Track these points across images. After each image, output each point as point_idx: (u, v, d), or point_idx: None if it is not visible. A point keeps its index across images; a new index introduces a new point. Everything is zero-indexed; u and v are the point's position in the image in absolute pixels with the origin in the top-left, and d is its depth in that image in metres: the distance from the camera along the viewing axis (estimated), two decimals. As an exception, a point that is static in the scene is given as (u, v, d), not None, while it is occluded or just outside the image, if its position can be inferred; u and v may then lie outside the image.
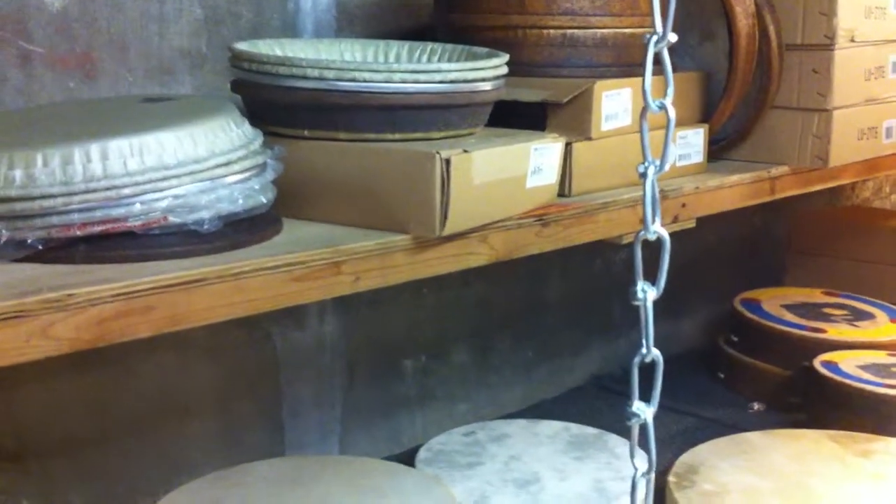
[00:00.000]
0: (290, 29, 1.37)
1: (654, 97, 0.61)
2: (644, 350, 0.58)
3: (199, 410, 1.38)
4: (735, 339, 1.83)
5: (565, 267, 1.80)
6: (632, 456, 0.65)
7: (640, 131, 0.60)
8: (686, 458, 1.41)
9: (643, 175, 0.59)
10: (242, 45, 1.08)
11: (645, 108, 0.58)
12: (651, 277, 0.63)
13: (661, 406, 1.78)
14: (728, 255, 2.06)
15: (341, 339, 1.52)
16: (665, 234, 0.58)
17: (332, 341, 1.51)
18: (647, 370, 0.69)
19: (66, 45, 1.17)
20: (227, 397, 1.40)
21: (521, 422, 1.58)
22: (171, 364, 1.33)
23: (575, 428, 1.55)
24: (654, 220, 0.57)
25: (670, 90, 0.61)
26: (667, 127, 0.62)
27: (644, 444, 0.64)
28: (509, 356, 1.76)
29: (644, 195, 0.58)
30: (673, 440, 1.61)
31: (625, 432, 1.50)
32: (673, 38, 0.58)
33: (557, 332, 1.83)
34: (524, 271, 1.72)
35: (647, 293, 0.58)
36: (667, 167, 0.61)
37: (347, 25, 1.42)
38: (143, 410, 1.32)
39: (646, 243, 0.64)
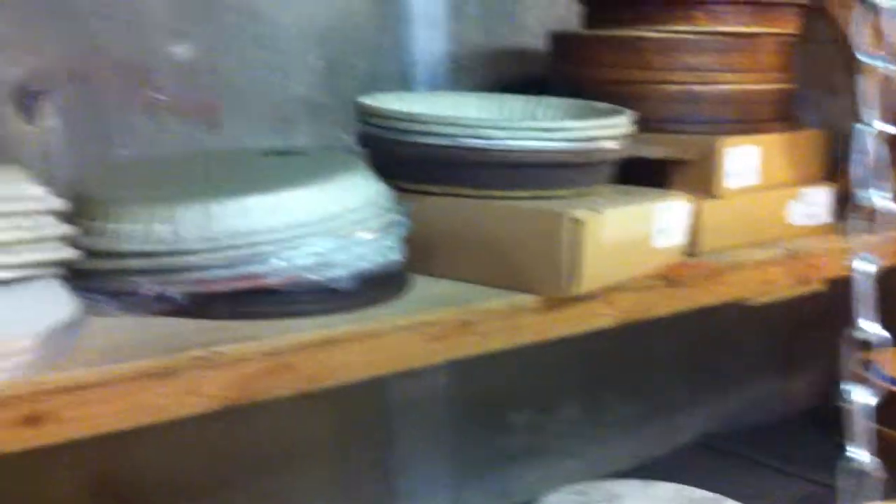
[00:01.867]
0: (404, 79, 1.38)
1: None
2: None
3: (312, 458, 1.38)
4: (851, 400, 1.76)
5: (675, 322, 1.77)
6: None
7: (847, 225, 0.57)
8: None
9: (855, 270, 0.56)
10: (367, 100, 1.09)
11: (850, 200, 0.56)
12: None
13: (777, 469, 1.72)
14: (843, 313, 2.01)
15: (453, 389, 1.50)
16: (883, 334, 0.56)
17: (443, 392, 1.50)
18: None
19: (191, 95, 1.19)
20: (339, 446, 1.40)
21: (635, 482, 1.55)
22: (286, 411, 1.33)
23: (689, 491, 1.50)
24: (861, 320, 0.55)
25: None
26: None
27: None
28: (619, 412, 1.73)
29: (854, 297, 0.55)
30: (789, 506, 1.56)
31: (739, 496, 1.48)
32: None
33: (667, 388, 1.79)
34: (634, 325, 1.70)
35: (857, 396, 0.55)
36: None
37: (460, 76, 1.42)
38: (259, 457, 1.32)
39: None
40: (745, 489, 1.57)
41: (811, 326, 1.94)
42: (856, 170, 0.56)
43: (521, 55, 1.48)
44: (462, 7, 1.41)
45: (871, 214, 0.56)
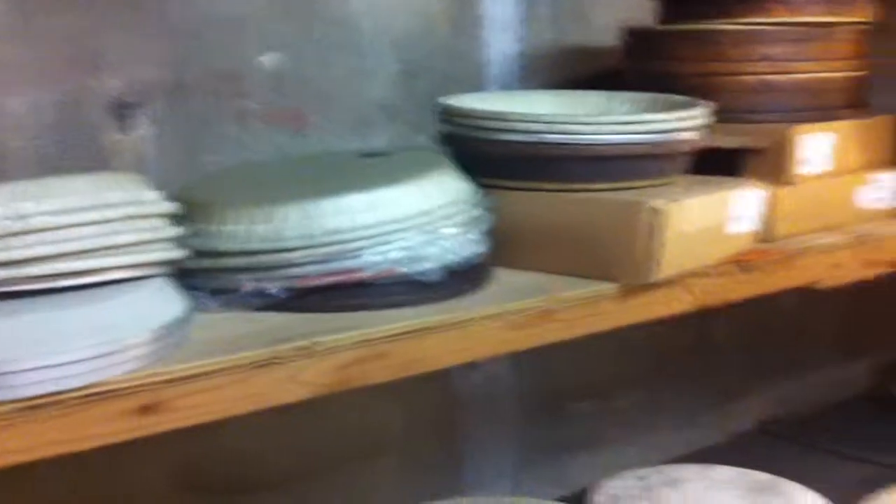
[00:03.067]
0: (477, 80, 1.41)
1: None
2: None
3: (384, 448, 1.42)
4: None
5: (733, 308, 1.79)
6: None
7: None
8: (870, 504, 1.37)
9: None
10: (451, 101, 1.12)
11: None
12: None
13: (840, 454, 1.72)
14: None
15: (514, 380, 1.54)
16: None
17: (506, 383, 1.53)
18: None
19: (278, 102, 1.24)
20: (409, 436, 1.44)
21: (695, 467, 1.56)
22: (363, 405, 1.37)
23: (749, 474, 1.52)
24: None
25: None
26: None
27: None
28: (677, 399, 1.75)
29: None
30: (851, 488, 1.56)
31: (799, 478, 1.48)
32: None
33: (724, 374, 1.80)
34: (692, 313, 1.72)
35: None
36: None
37: (532, 74, 1.46)
38: (333, 448, 1.37)
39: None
40: (803, 472, 1.58)
41: (870, 311, 1.94)
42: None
43: (591, 52, 1.51)
44: (534, 8, 1.44)
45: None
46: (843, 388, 1.97)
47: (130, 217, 0.78)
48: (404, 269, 0.90)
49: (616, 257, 1.00)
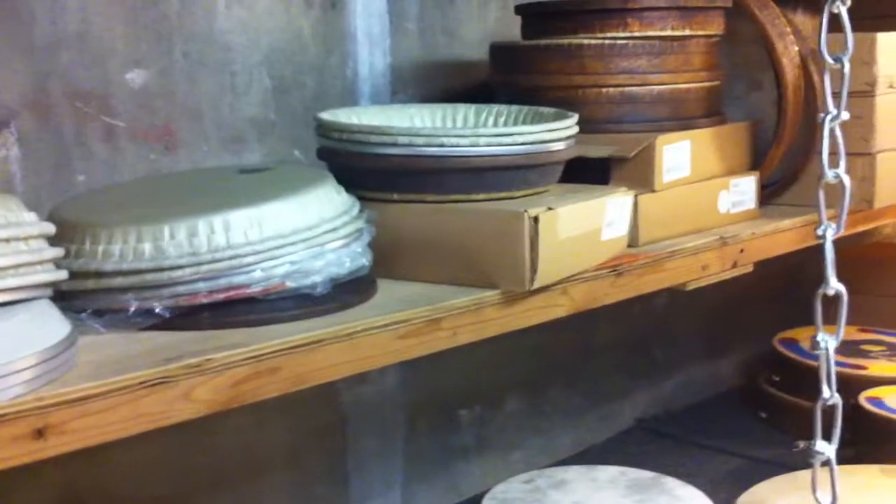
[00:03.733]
0: (349, 94, 1.43)
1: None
2: (826, 394, 0.62)
3: (271, 466, 1.41)
4: (776, 378, 1.87)
5: (611, 312, 1.85)
6: (813, 490, 0.69)
7: (816, 199, 0.64)
8: (745, 498, 1.45)
9: (822, 237, 0.63)
10: (326, 115, 1.13)
11: (821, 177, 0.63)
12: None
13: (709, 447, 1.82)
14: (765, 295, 2.11)
15: (402, 391, 1.56)
16: (842, 289, 0.63)
17: (393, 394, 1.55)
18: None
19: (146, 119, 1.22)
20: (297, 453, 1.44)
21: (579, 468, 1.62)
22: (247, 422, 1.36)
23: (631, 472, 1.58)
24: (832, 278, 0.61)
25: (843, 162, 0.65)
26: (841, 195, 0.66)
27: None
28: (560, 403, 1.80)
29: (824, 255, 0.62)
30: (723, 480, 1.64)
31: (676, 473, 1.56)
32: (845, 116, 0.63)
33: (604, 376, 1.87)
34: (572, 318, 1.78)
35: (828, 342, 0.62)
36: (842, 230, 0.65)
37: (402, 88, 1.48)
38: (221, 468, 1.35)
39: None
40: (681, 467, 1.66)
41: (733, 311, 2.05)
42: (822, 152, 0.62)
43: (459, 66, 1.55)
44: (401, 23, 1.47)
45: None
46: (713, 385, 2.07)
47: (9, 239, 0.76)
48: (292, 284, 0.91)
49: (497, 266, 1.02)
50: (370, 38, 1.44)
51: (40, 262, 0.79)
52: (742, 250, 1.31)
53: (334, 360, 0.90)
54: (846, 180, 0.64)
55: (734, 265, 1.30)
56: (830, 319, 0.71)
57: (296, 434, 1.43)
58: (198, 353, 0.82)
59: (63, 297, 0.88)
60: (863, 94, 1.39)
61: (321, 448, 1.47)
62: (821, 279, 0.65)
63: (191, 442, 1.31)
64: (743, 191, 1.36)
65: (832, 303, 0.62)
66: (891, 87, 1.42)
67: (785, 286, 2.19)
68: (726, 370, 2.12)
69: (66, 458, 0.76)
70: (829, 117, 0.64)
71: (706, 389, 2.06)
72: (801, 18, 1.42)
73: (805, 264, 2.20)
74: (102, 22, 1.16)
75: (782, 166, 1.42)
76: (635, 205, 1.20)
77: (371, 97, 1.45)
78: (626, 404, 1.92)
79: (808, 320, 2.03)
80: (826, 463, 0.65)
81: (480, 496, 1.53)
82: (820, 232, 0.63)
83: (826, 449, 0.64)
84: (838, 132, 0.65)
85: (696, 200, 1.30)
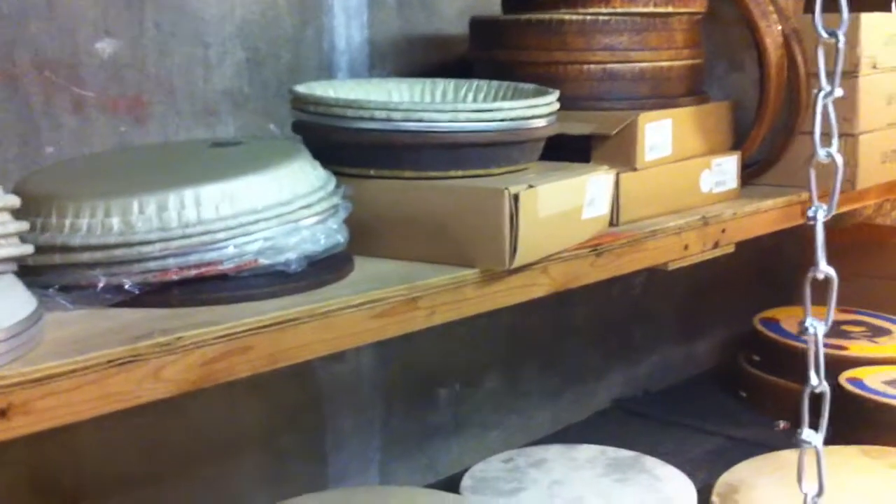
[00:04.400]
0: (325, 68, 1.40)
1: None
2: (815, 382, 0.61)
3: (246, 446, 1.40)
4: (757, 358, 1.86)
5: (588, 292, 1.84)
6: (799, 480, 0.68)
7: (808, 178, 0.63)
8: (726, 478, 1.45)
9: (812, 219, 0.61)
10: (302, 89, 1.11)
11: (813, 156, 0.61)
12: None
13: (688, 427, 1.82)
14: (742, 276, 2.11)
15: (378, 370, 1.54)
16: (833, 272, 0.61)
17: (369, 373, 1.53)
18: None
19: (116, 90, 1.19)
20: (273, 432, 1.42)
21: (558, 447, 1.61)
22: (218, 401, 1.34)
23: (611, 451, 1.57)
24: (822, 260, 0.60)
25: (835, 141, 0.63)
26: (834, 175, 0.64)
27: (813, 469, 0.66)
28: (537, 382, 1.79)
29: (815, 238, 0.60)
30: (704, 460, 1.64)
31: (654, 453, 1.55)
32: (839, 92, 0.62)
33: (581, 356, 1.86)
34: (549, 298, 1.76)
35: (817, 328, 0.61)
36: (833, 211, 0.63)
37: (379, 62, 1.45)
38: (193, 447, 1.34)
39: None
40: (659, 447, 1.66)
41: (712, 291, 2.04)
42: (814, 130, 0.61)
43: (438, 41, 1.52)
44: (378, -5, 1.44)
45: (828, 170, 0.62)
46: (692, 365, 2.07)
47: (-26, 212, 0.73)
48: (265, 261, 0.88)
49: (476, 244, 1.01)
50: (347, 11, 1.41)
51: (3, 236, 0.76)
52: (724, 230, 1.30)
53: (308, 339, 0.88)
54: (839, 160, 0.62)
55: (715, 245, 1.29)
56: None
57: (271, 413, 1.42)
58: (168, 332, 0.80)
59: (30, 273, 0.85)
60: (846, 75, 1.38)
61: (297, 427, 1.46)
62: (803, 261, 0.64)
63: (164, 420, 1.28)
64: (725, 170, 1.34)
65: (820, 286, 0.61)
66: (874, 67, 1.41)
67: (762, 266, 2.19)
68: (705, 350, 2.12)
69: (37, 437, 0.74)
70: (822, 93, 0.62)
71: (685, 370, 2.06)
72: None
73: (783, 244, 2.21)
74: (72, -11, 1.13)
75: (764, 146, 1.41)
76: (616, 183, 1.18)
77: (348, 71, 1.42)
78: (603, 384, 1.92)
79: (788, 301, 2.05)
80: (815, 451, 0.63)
81: (459, 475, 1.52)
82: (811, 213, 0.61)
83: (813, 438, 0.62)
84: (831, 110, 0.63)
85: (677, 180, 1.28)
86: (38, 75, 1.12)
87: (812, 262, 0.60)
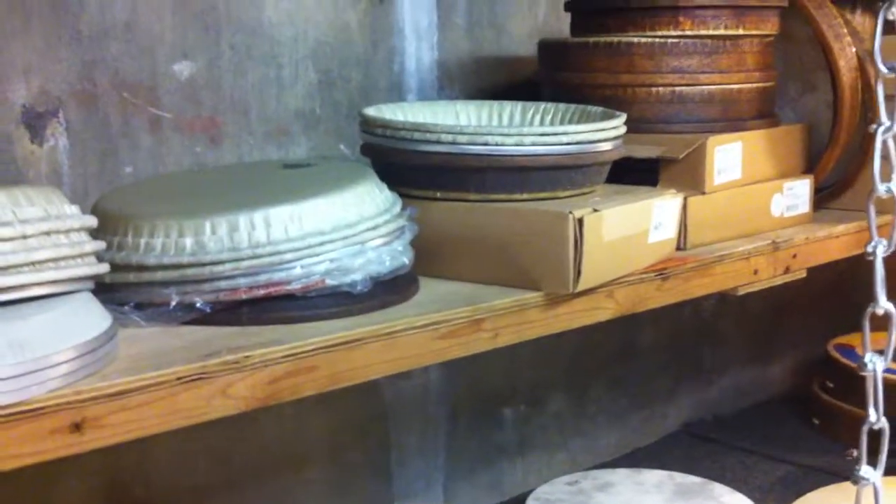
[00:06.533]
0: (395, 89, 1.42)
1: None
2: (873, 418, 0.60)
3: (313, 459, 1.41)
4: (830, 384, 1.83)
5: (656, 314, 1.83)
6: None
7: (867, 213, 0.62)
8: (796, 506, 1.42)
9: (871, 254, 0.61)
10: (371, 111, 1.12)
11: (872, 192, 0.61)
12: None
13: (757, 453, 1.78)
14: (817, 300, 2.07)
15: (444, 388, 1.55)
16: (892, 308, 0.60)
17: (435, 390, 1.54)
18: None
19: (192, 111, 1.22)
20: (339, 447, 1.44)
21: (624, 471, 1.60)
22: (288, 415, 1.36)
23: (678, 476, 1.56)
24: (882, 296, 0.59)
25: (895, 176, 0.62)
26: (895, 209, 0.64)
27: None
28: (604, 404, 1.78)
29: (874, 273, 0.60)
30: (773, 488, 1.62)
31: (726, 481, 1.53)
32: None
33: (649, 379, 1.85)
34: (617, 319, 1.76)
35: (876, 363, 0.60)
36: (893, 247, 0.63)
37: (448, 84, 1.47)
38: (263, 460, 1.36)
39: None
40: (727, 473, 1.63)
41: (785, 315, 2.01)
42: (873, 166, 0.60)
43: (507, 62, 1.53)
44: (449, 17, 1.45)
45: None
46: (763, 390, 2.04)
47: (50, 232, 0.76)
48: (332, 281, 0.90)
49: (540, 267, 1.01)
50: (418, 33, 1.43)
51: (80, 255, 0.79)
52: (795, 255, 1.28)
53: (372, 360, 0.89)
54: (897, 194, 0.61)
55: (786, 270, 1.27)
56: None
57: (338, 427, 1.43)
58: (236, 350, 0.82)
59: (107, 290, 0.88)
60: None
61: (363, 443, 1.47)
62: (856, 282, 0.63)
63: (235, 433, 1.31)
64: (797, 194, 1.33)
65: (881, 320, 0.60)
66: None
67: (837, 291, 2.14)
68: (777, 375, 2.08)
69: (111, 449, 0.76)
70: (881, 129, 0.61)
71: (756, 395, 2.02)
72: (859, 19, 1.39)
73: (858, 269, 2.16)
74: (150, 12, 1.17)
75: (836, 170, 1.38)
76: (684, 207, 1.18)
77: (418, 92, 1.44)
78: (672, 408, 1.90)
79: (859, 326, 2.00)
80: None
81: (523, 496, 1.52)
82: (870, 248, 0.61)
83: (871, 475, 0.62)
84: (891, 144, 0.62)
85: (747, 203, 1.27)
86: (117, 96, 1.16)
87: (872, 298, 0.59)
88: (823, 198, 1.41)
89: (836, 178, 1.41)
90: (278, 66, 1.29)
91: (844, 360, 1.80)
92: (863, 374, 0.62)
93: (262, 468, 1.36)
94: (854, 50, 1.32)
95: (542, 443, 1.69)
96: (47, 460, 0.73)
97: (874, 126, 0.62)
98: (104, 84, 1.15)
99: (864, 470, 0.62)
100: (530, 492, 1.52)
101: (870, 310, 0.62)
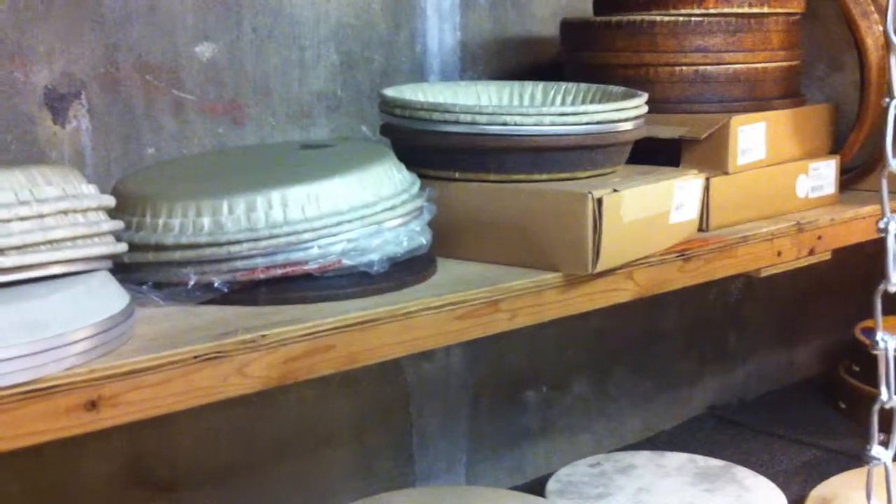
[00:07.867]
0: (418, 70, 1.41)
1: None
2: (885, 397, 0.59)
3: (335, 441, 1.42)
4: (856, 368, 1.81)
5: (680, 297, 1.81)
6: (868, 498, 0.66)
7: (880, 189, 0.61)
8: (819, 490, 1.41)
9: (883, 230, 0.60)
10: (391, 92, 1.12)
11: (884, 167, 0.60)
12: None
13: (783, 437, 1.77)
14: (844, 283, 2.05)
15: (467, 370, 1.55)
16: None
17: (458, 373, 1.54)
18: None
19: (215, 93, 1.23)
20: (361, 428, 1.44)
21: (646, 453, 1.60)
22: (310, 396, 1.37)
23: (700, 460, 1.55)
24: (894, 273, 0.58)
25: None
26: None
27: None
28: (627, 387, 1.77)
29: (886, 250, 0.59)
30: (798, 472, 1.60)
31: (750, 464, 1.52)
32: None
33: (674, 362, 1.84)
34: (640, 301, 1.75)
35: (888, 342, 0.59)
36: None
37: (471, 64, 1.46)
38: (285, 441, 1.37)
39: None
40: (752, 457, 1.62)
41: (812, 299, 1.99)
42: (885, 141, 0.59)
43: (530, 42, 1.52)
44: (471, -3, 1.45)
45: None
46: (788, 374, 2.02)
47: (67, 211, 0.76)
48: (349, 262, 0.90)
49: (559, 248, 1.00)
50: (440, 14, 1.42)
51: (98, 235, 0.79)
52: (820, 237, 1.26)
53: (389, 340, 0.89)
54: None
55: (811, 252, 1.26)
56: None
57: (361, 409, 1.44)
58: (253, 329, 0.82)
59: (126, 269, 0.89)
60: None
61: (386, 424, 1.47)
62: (883, 266, 0.62)
63: (258, 413, 1.32)
64: (822, 175, 1.31)
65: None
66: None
67: (864, 274, 2.12)
68: (803, 359, 2.06)
69: (134, 428, 0.77)
70: (893, 103, 0.60)
71: (782, 378, 2.01)
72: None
73: (883, 253, 2.14)
74: (171, -7, 1.17)
75: (863, 151, 1.36)
76: (707, 188, 1.17)
77: (440, 73, 1.43)
78: (696, 391, 1.89)
79: (892, 310, 1.98)
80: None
81: (545, 478, 1.52)
82: (882, 225, 0.60)
83: (882, 454, 0.61)
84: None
85: (771, 184, 1.25)
86: (140, 78, 1.16)
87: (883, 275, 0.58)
88: (850, 179, 1.40)
89: (863, 160, 1.39)
90: (300, 47, 1.29)
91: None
92: (874, 352, 0.61)
93: (285, 450, 1.37)
94: (881, 28, 1.30)
95: (566, 425, 1.69)
96: (66, 438, 0.73)
97: (885, 100, 0.61)
98: (126, 66, 1.15)
99: (876, 450, 0.61)
100: (552, 474, 1.52)
101: (881, 287, 0.61)
